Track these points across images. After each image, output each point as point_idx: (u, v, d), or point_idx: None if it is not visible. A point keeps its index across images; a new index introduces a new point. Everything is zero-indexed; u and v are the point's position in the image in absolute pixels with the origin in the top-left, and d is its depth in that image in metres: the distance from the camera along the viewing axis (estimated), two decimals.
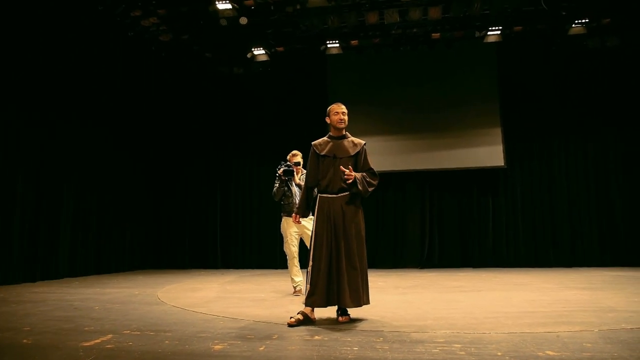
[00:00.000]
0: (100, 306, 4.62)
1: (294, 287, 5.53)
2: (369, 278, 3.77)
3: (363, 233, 3.73)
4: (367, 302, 3.68)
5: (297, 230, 5.55)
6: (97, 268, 8.62)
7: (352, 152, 3.80)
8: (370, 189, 3.74)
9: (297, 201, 5.43)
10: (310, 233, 5.21)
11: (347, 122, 3.87)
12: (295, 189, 5.60)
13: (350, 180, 3.66)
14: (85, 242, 8.37)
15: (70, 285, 6.70)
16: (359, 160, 3.81)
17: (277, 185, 5.63)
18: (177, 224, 10.91)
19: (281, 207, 5.69)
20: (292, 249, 5.56)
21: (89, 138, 8.55)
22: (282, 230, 5.68)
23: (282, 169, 5.57)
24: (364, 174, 3.76)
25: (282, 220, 5.67)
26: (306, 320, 3.55)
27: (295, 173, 5.59)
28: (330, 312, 3.83)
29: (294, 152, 5.77)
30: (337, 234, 3.63)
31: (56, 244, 7.69)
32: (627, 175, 9.45)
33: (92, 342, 3.00)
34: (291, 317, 3.52)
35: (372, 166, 3.82)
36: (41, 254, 7.36)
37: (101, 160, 8.88)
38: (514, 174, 9.99)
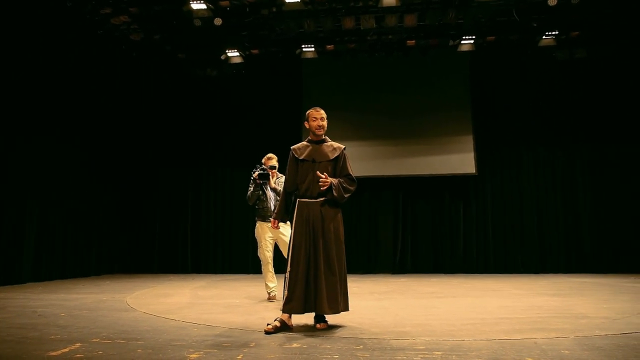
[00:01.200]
0: (67, 313, 4.42)
1: (269, 293, 5.43)
2: None
3: (342, 238, 3.69)
4: (346, 309, 3.63)
5: (272, 235, 5.47)
6: (61, 272, 8.28)
7: (332, 156, 3.76)
8: (346, 195, 3.69)
9: (272, 205, 5.39)
10: (285, 239, 5.18)
11: (326, 128, 3.83)
12: (270, 193, 5.51)
13: (326, 187, 3.61)
14: (49, 245, 8.03)
15: (33, 291, 6.41)
16: (337, 165, 3.76)
17: (252, 189, 5.54)
18: (146, 227, 10.62)
19: (255, 212, 5.60)
20: (266, 254, 5.47)
21: (54, 141, 8.21)
22: (256, 235, 5.59)
23: (257, 173, 5.49)
24: (341, 179, 3.71)
25: (257, 225, 5.57)
26: (284, 327, 3.48)
27: (270, 177, 5.51)
28: (308, 318, 3.77)
29: (269, 155, 5.69)
30: (316, 239, 3.57)
31: (19, 248, 7.36)
32: (593, 184, 9.71)
33: (59, 352, 2.85)
34: (268, 324, 3.44)
35: (351, 172, 3.78)
36: (2, 257, 7.02)
37: (67, 163, 8.54)
38: (484, 181, 10.14)
